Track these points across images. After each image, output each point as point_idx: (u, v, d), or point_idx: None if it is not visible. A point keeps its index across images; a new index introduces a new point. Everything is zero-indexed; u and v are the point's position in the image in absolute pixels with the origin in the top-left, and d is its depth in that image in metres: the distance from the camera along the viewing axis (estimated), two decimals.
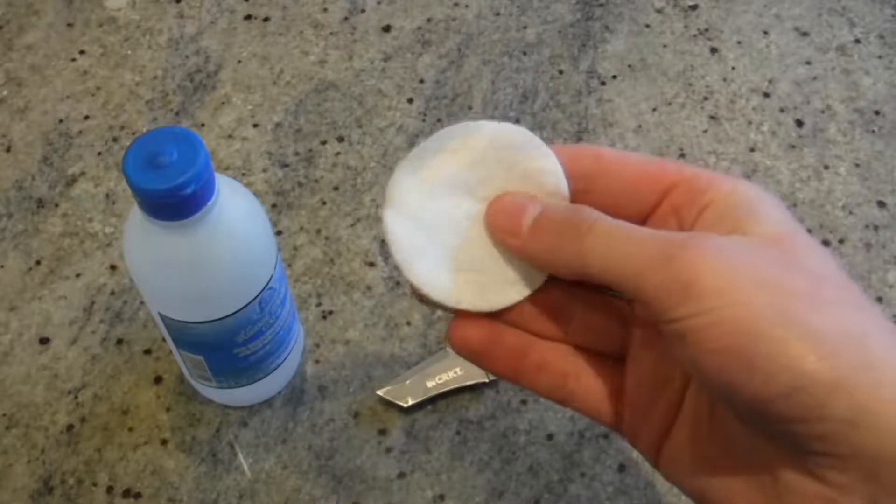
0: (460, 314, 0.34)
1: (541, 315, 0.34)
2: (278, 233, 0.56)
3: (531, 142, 0.33)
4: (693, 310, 0.27)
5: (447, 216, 0.33)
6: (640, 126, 0.61)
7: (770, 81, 0.63)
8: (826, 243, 0.55)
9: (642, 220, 0.32)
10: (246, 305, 0.42)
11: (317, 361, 0.52)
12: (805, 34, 0.65)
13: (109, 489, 0.48)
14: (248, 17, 0.67)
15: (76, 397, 0.51)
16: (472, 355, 0.34)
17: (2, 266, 0.55)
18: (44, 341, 0.52)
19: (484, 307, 0.33)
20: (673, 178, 0.32)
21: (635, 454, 0.48)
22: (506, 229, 0.32)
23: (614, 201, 0.32)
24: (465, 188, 0.33)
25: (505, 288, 0.33)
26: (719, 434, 0.30)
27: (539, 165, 0.33)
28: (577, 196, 0.33)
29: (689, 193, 0.31)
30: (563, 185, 0.33)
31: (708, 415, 0.30)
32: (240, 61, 0.64)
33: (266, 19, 0.67)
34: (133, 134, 0.61)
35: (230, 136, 0.61)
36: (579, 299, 0.34)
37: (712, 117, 0.61)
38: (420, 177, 0.33)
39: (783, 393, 0.25)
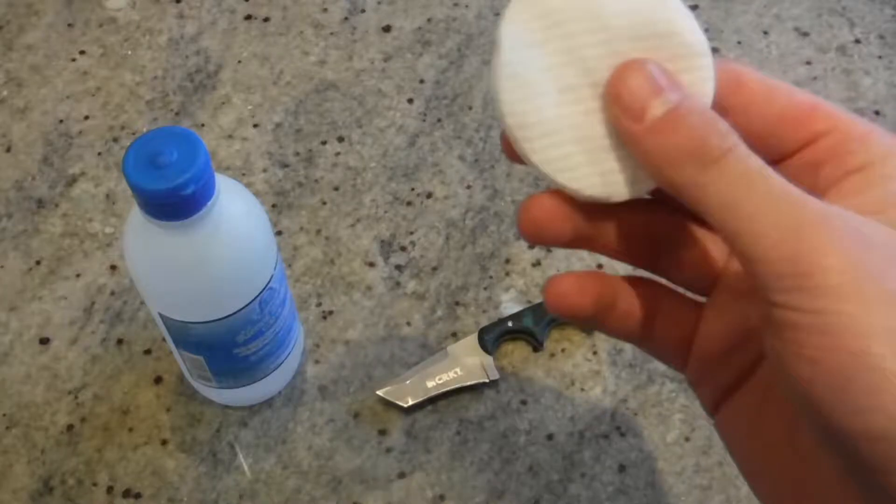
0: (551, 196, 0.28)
1: (633, 236, 0.29)
2: (278, 233, 0.56)
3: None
4: (804, 304, 0.23)
5: (564, 75, 0.27)
6: None
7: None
8: None
9: (776, 164, 0.28)
10: (246, 305, 0.42)
11: (317, 361, 0.52)
12: (805, 34, 0.65)
13: (109, 489, 0.48)
14: (248, 17, 0.67)
15: (76, 397, 0.51)
16: (568, 307, 0.30)
17: (2, 266, 0.55)
18: (44, 341, 0.52)
19: (596, 193, 0.28)
20: (824, 125, 0.27)
21: (635, 454, 0.48)
22: (627, 109, 0.26)
23: (750, 139, 0.26)
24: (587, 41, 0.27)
25: (614, 179, 0.28)
26: (786, 421, 0.27)
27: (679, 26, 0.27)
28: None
29: (837, 148, 0.27)
30: (706, 62, 0.27)
31: (781, 396, 0.27)
32: (240, 61, 0.64)
33: (266, 19, 0.67)
34: (133, 134, 0.61)
35: (230, 136, 0.61)
36: (677, 225, 0.30)
37: None
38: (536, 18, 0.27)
39: (872, 435, 0.22)
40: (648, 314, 0.31)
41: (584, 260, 0.54)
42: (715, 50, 0.64)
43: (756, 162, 0.25)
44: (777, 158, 0.28)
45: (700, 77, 0.27)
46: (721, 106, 0.27)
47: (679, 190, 0.25)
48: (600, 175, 0.28)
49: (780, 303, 0.23)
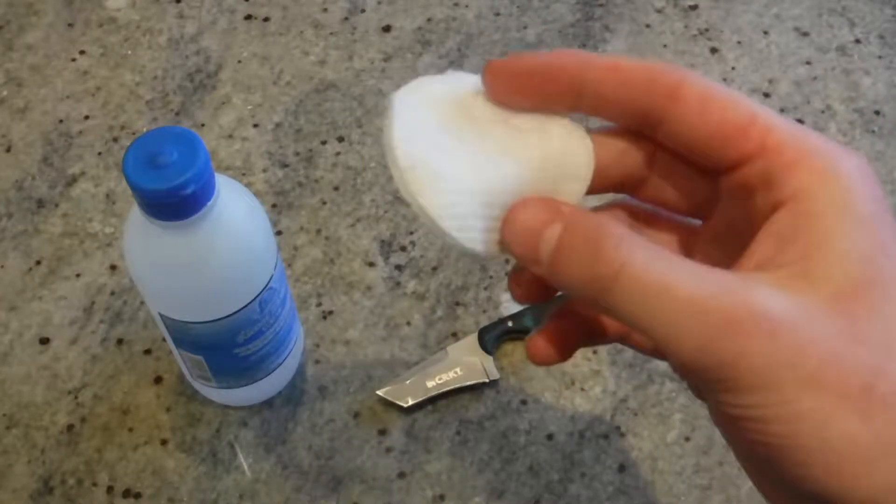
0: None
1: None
2: (278, 233, 0.56)
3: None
4: (734, 401, 0.24)
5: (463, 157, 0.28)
6: None
7: (770, 81, 0.63)
8: None
9: (717, 174, 0.28)
10: (246, 305, 0.42)
11: (317, 361, 0.52)
12: (805, 34, 0.65)
13: (109, 489, 0.48)
14: (248, 17, 0.67)
15: (76, 397, 0.51)
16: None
17: (2, 266, 0.55)
18: (44, 341, 0.52)
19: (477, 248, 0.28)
20: (754, 145, 0.26)
21: (635, 454, 0.48)
22: (526, 258, 0.27)
23: (686, 151, 0.27)
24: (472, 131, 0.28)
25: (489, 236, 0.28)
26: None
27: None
28: (643, 137, 0.29)
29: (765, 175, 0.26)
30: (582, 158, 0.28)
31: None
32: (240, 61, 0.64)
33: (266, 19, 0.67)
34: (133, 134, 0.61)
35: (230, 136, 0.61)
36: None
37: None
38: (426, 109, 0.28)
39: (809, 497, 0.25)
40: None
41: None
42: (714, 50, 0.64)
43: (655, 270, 0.25)
44: (720, 171, 0.28)
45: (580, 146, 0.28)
46: (656, 118, 0.27)
47: (589, 301, 0.26)
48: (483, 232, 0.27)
49: (715, 399, 0.25)
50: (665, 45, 0.65)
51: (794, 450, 0.24)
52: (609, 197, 0.32)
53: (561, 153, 0.28)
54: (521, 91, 0.28)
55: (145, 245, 0.40)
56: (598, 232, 0.26)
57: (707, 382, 0.25)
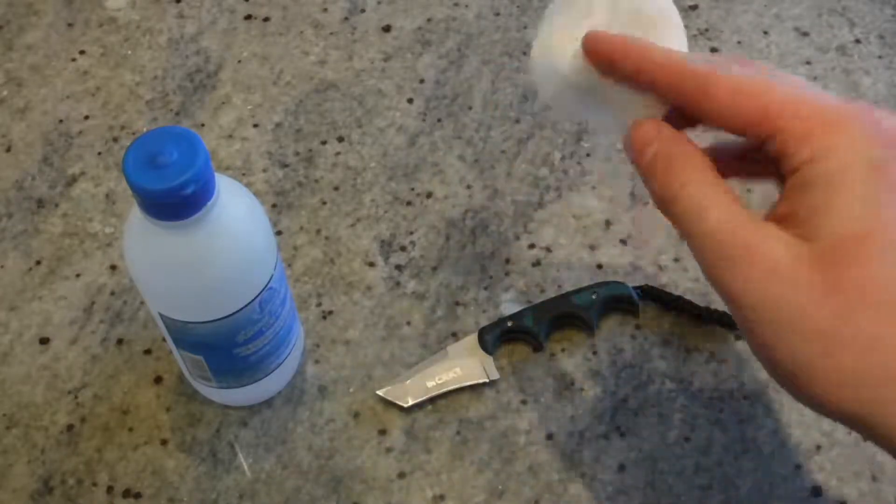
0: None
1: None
2: (278, 233, 0.56)
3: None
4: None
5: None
6: None
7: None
8: None
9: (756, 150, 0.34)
10: (246, 305, 0.42)
11: (317, 361, 0.52)
12: (805, 34, 0.65)
13: (109, 489, 0.48)
14: (248, 17, 0.67)
15: (76, 397, 0.51)
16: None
17: (2, 266, 0.55)
18: (44, 341, 0.52)
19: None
20: (773, 126, 0.32)
21: (635, 454, 0.48)
22: (637, 165, 0.36)
23: (722, 130, 0.35)
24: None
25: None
26: None
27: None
28: (682, 117, 0.36)
29: (784, 146, 0.32)
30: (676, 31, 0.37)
31: None
32: (240, 61, 0.64)
33: (266, 19, 0.67)
34: (133, 134, 0.61)
35: (230, 136, 0.61)
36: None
37: None
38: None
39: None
40: None
41: (583, 260, 0.54)
42: (715, 50, 0.64)
43: (701, 195, 0.33)
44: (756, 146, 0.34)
45: (677, 44, 0.37)
46: (692, 117, 0.36)
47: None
48: None
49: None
50: None
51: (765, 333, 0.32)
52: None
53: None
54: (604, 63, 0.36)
55: (145, 245, 0.40)
56: (675, 153, 0.35)
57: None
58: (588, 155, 0.59)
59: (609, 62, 0.35)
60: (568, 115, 0.39)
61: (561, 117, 0.38)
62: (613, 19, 0.37)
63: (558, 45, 0.37)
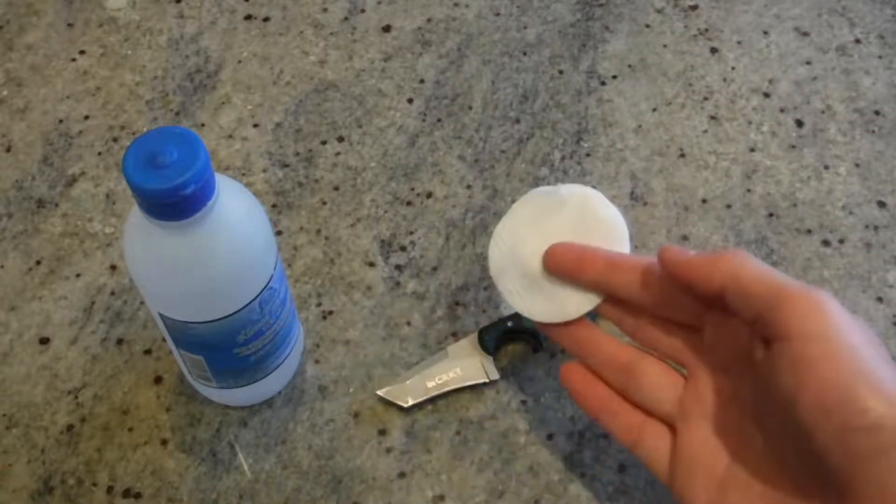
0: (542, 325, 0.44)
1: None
2: (278, 233, 0.56)
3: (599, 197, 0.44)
4: (814, 333, 0.33)
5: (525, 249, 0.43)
6: (640, 126, 0.61)
7: (770, 81, 0.63)
8: (826, 243, 0.55)
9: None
10: (246, 305, 0.42)
11: (317, 361, 0.52)
12: (805, 34, 0.65)
13: (109, 489, 0.48)
14: (248, 17, 0.67)
15: (76, 397, 0.51)
16: (573, 392, 0.43)
17: (2, 266, 0.55)
18: (44, 341, 0.52)
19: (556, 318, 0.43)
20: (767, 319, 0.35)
21: None
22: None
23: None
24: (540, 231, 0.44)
25: (570, 303, 0.42)
26: (769, 494, 0.36)
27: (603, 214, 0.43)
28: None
29: (765, 322, 0.35)
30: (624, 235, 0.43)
31: (760, 474, 0.36)
32: (240, 61, 0.64)
33: (266, 19, 0.67)
34: (133, 134, 0.61)
35: (230, 136, 0.61)
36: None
37: (712, 117, 0.61)
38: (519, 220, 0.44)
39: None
40: (636, 424, 0.41)
41: None
42: (714, 50, 0.64)
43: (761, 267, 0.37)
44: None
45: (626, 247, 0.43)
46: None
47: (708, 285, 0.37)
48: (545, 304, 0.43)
49: (801, 336, 0.33)
50: (665, 45, 0.65)
51: (857, 375, 0.32)
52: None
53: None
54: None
55: (145, 245, 0.40)
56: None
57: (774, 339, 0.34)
58: (588, 155, 0.59)
59: (567, 272, 0.42)
60: (506, 294, 0.44)
61: (503, 291, 0.44)
62: (578, 222, 0.43)
63: (523, 237, 0.43)
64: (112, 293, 0.54)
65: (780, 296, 0.34)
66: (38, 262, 0.55)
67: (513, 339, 0.52)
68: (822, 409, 0.31)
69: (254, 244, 0.42)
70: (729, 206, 0.57)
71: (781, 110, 0.61)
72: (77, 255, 0.56)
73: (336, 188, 0.58)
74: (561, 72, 0.63)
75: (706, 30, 0.66)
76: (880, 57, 0.64)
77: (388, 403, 0.50)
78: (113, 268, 0.55)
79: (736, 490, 0.37)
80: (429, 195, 0.58)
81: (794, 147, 0.60)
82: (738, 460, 0.37)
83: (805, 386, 0.32)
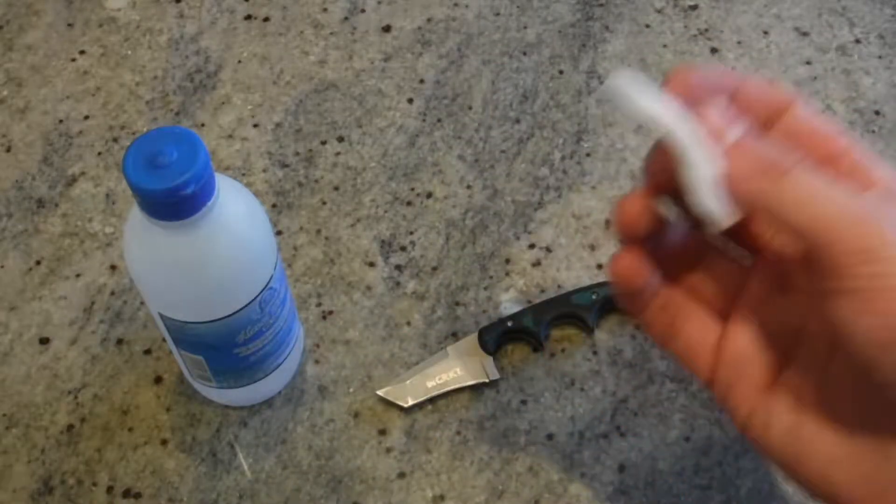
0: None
1: (675, 256, 0.37)
2: (278, 233, 0.56)
3: None
4: (872, 270, 0.29)
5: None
6: (640, 126, 0.61)
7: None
8: None
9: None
10: (246, 305, 0.42)
11: (317, 361, 0.52)
12: (805, 34, 0.65)
13: (109, 489, 0.48)
14: (248, 17, 0.67)
15: (76, 397, 0.51)
16: (622, 284, 0.37)
17: (2, 266, 0.55)
18: (44, 341, 0.52)
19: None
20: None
21: (635, 454, 0.48)
22: (711, 132, 0.34)
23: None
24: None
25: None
26: (830, 405, 0.33)
27: None
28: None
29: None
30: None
31: (816, 386, 0.33)
32: (240, 61, 0.64)
33: (266, 19, 0.67)
34: (133, 134, 0.61)
35: (230, 136, 0.61)
36: (705, 245, 0.37)
37: None
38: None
39: None
40: (680, 315, 0.37)
41: (583, 260, 0.54)
42: (714, 50, 0.64)
43: (819, 175, 0.31)
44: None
45: None
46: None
47: (755, 199, 0.32)
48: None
49: (850, 274, 0.29)
50: (665, 45, 0.65)
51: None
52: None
53: None
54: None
55: (145, 245, 0.40)
56: (775, 142, 0.33)
57: (847, 255, 0.30)
58: (588, 155, 0.59)
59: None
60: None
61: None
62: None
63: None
64: (112, 293, 0.54)
65: (829, 230, 0.30)
66: (38, 262, 0.55)
67: (513, 339, 0.52)
68: (882, 344, 0.29)
69: (254, 244, 0.42)
70: None
71: None
72: (77, 255, 0.56)
73: (336, 188, 0.58)
74: (561, 72, 0.63)
75: (706, 30, 0.66)
76: (880, 57, 0.64)
77: (388, 403, 0.50)
78: (113, 268, 0.55)
79: (786, 405, 0.34)
80: (429, 195, 0.58)
81: None
82: (793, 375, 0.34)
83: (865, 316, 0.29)
